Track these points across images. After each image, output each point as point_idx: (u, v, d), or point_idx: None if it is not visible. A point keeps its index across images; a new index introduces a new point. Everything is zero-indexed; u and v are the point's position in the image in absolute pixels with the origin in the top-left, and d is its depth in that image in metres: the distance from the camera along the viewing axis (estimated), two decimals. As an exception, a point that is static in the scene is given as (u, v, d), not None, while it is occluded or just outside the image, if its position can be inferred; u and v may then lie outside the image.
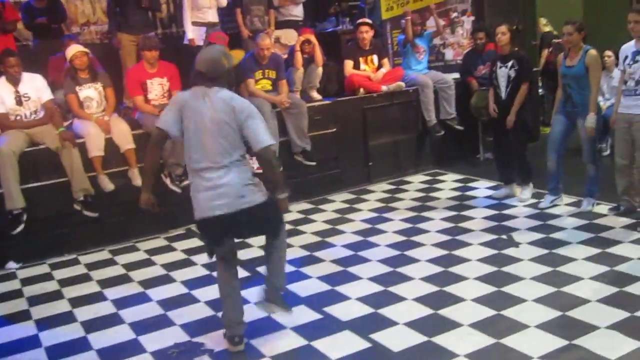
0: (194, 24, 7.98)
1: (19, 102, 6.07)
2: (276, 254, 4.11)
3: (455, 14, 9.37)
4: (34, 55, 7.61)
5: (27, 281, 5.55)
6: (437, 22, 8.29)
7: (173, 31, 9.80)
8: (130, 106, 7.00)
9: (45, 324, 4.63)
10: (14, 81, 6.05)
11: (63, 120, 6.25)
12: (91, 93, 6.46)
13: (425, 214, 6.41)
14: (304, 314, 4.37)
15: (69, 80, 6.45)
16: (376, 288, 4.70)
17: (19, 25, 7.78)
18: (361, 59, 8.02)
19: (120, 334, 4.33)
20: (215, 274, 5.18)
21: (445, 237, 5.65)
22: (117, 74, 7.19)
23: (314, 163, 7.16)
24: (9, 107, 6.03)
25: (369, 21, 8.12)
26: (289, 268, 5.19)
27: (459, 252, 5.27)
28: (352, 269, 5.11)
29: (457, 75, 8.44)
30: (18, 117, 6.08)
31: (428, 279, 4.77)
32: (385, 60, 8.23)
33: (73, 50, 6.42)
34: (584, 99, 5.81)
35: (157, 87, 6.54)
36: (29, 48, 7.87)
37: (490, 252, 5.21)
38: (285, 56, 7.60)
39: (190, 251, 5.88)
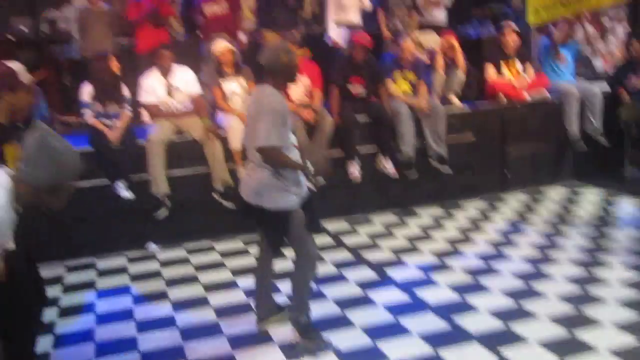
0: (337, 24, 8.10)
1: (169, 93, 6.39)
2: (293, 281, 4.09)
3: (607, 22, 8.90)
4: (185, 49, 8.00)
5: (165, 263, 5.85)
6: (586, 30, 7.90)
7: (315, 30, 9.97)
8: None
9: (181, 305, 4.85)
10: (166, 73, 6.39)
11: (208, 113, 6.52)
12: (235, 87, 6.69)
13: (563, 228, 6.13)
14: (432, 322, 4.30)
15: (215, 73, 6.72)
16: (508, 302, 4.55)
17: (171, 20, 8.21)
18: (504, 65, 7.78)
19: (250, 323, 4.43)
20: (345, 272, 5.29)
21: (583, 255, 5.38)
22: (259, 70, 7.36)
23: (448, 169, 7.02)
24: (160, 97, 6.37)
25: (514, 26, 7.86)
26: (417, 273, 5.21)
27: (598, 272, 4.99)
28: (484, 280, 4.97)
29: (605, 85, 8.00)
30: (167, 108, 6.40)
31: (563, 298, 4.55)
32: (529, 67, 7.94)
33: (220, 46, 6.67)
34: None
35: (298, 86, 6.67)
36: (179, 42, 8.27)
37: (635, 275, 4.89)
38: (426, 60, 7.52)
39: (322, 247, 5.92)
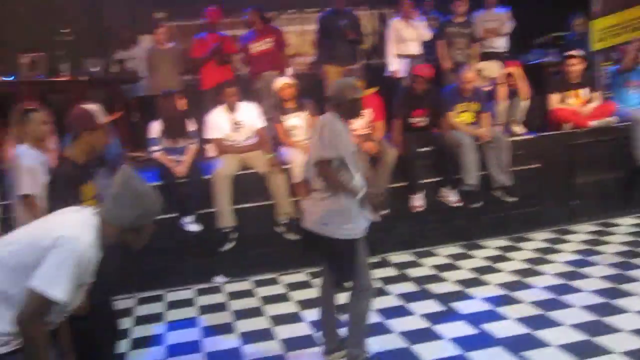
0: (397, 56, 8.16)
1: (235, 129, 6.54)
2: (351, 316, 4.13)
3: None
4: (247, 85, 8.18)
5: (232, 295, 5.93)
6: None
7: (375, 62, 10.08)
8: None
9: (247, 338, 4.91)
10: (232, 109, 6.54)
11: (271, 147, 6.64)
12: (297, 122, 6.79)
13: (636, 260, 5.93)
14: (501, 357, 4.22)
15: (277, 110, 6.84)
16: (580, 336, 4.42)
17: (235, 57, 8.43)
18: (568, 93, 7.66)
19: (315, 356, 4.45)
20: (410, 305, 5.26)
21: (659, 288, 5.20)
22: (321, 103, 7.48)
23: (513, 199, 6.92)
24: (225, 133, 6.53)
25: (579, 53, 7.75)
26: (483, 306, 5.14)
27: (675, 306, 4.82)
28: (553, 314, 4.85)
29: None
30: (233, 143, 6.55)
31: (638, 332, 4.40)
32: (595, 94, 7.77)
33: (280, 82, 6.81)
34: None
35: (361, 118, 6.70)
36: (244, 78, 8.47)
37: None
38: (489, 88, 7.48)
39: (387, 280, 5.92)
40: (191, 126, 6.53)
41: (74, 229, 2.61)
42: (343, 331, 4.30)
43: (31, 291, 2.50)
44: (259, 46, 7.99)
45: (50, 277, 2.51)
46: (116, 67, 8.60)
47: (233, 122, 6.53)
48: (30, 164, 4.22)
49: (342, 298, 4.30)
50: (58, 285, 2.51)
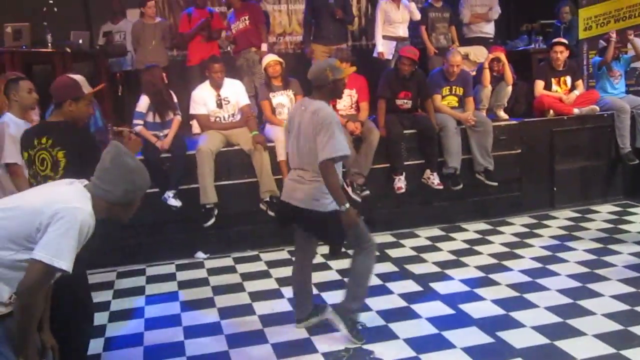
0: (385, 37, 8.17)
1: (220, 105, 6.53)
2: (353, 271, 4.28)
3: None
4: (233, 62, 8.16)
5: (212, 271, 5.95)
6: (636, 46, 7.76)
7: (363, 44, 10.09)
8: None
9: (227, 313, 4.94)
10: (217, 85, 6.52)
11: (257, 125, 6.64)
12: (283, 100, 6.79)
13: (613, 246, 6.01)
14: (476, 336, 4.29)
15: (264, 87, 6.84)
16: (553, 319, 4.49)
17: (222, 34, 8.40)
18: (553, 80, 7.70)
19: (294, 332, 4.50)
20: (389, 285, 5.31)
21: (634, 274, 5.26)
22: (308, 83, 7.47)
23: (495, 184, 6.98)
24: (210, 109, 6.51)
25: (565, 41, 7.79)
26: (461, 287, 5.21)
27: (648, 292, 4.90)
28: (529, 296, 4.92)
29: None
30: (217, 119, 6.54)
31: (611, 316, 4.47)
32: (579, 82, 7.84)
33: (268, 59, 6.80)
34: None
35: (345, 98, 6.70)
36: (230, 55, 8.45)
37: (685, 295, 4.79)
38: (474, 73, 7.51)
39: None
40: (174, 97, 6.51)
41: (75, 199, 2.61)
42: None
43: (36, 262, 2.48)
44: (237, 25, 8.01)
45: (56, 247, 2.49)
46: (103, 40, 8.54)
47: (218, 99, 6.52)
48: (16, 132, 4.19)
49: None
50: (64, 255, 2.50)
